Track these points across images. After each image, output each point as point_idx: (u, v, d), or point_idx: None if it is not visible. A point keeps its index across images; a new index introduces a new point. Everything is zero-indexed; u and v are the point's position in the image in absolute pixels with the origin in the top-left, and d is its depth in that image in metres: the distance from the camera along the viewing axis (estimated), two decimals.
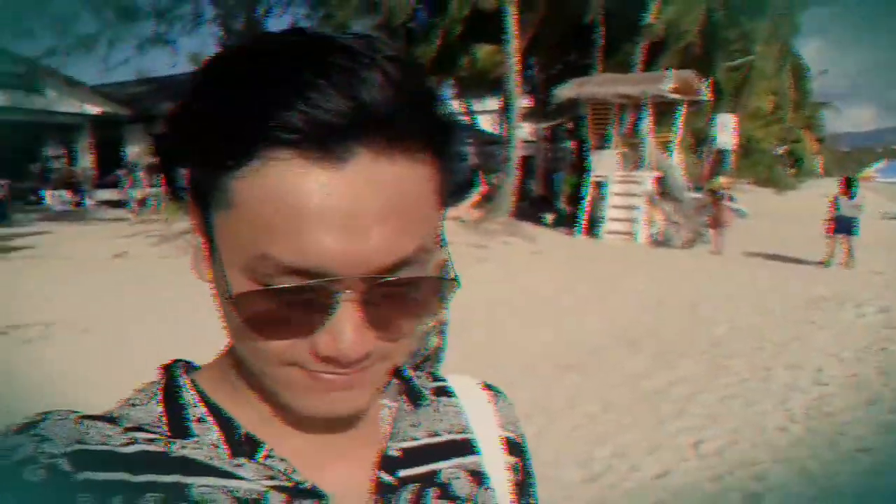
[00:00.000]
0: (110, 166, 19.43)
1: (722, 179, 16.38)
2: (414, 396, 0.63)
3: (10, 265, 10.19)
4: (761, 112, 33.79)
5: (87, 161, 19.20)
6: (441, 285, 0.51)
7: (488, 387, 0.71)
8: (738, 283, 10.83)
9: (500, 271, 12.05)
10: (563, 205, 19.47)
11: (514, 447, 0.67)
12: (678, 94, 16.56)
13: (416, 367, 0.67)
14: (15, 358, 5.91)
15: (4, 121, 17.23)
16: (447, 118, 0.50)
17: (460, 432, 0.64)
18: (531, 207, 20.07)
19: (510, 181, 16.70)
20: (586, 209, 16.90)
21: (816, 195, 37.36)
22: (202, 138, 0.47)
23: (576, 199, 17.68)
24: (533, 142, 24.22)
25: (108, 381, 4.97)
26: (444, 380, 0.68)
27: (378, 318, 0.48)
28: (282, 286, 0.45)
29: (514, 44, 16.15)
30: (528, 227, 16.93)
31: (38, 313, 7.19)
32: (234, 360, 0.56)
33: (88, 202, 17.45)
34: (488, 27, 16.93)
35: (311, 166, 0.44)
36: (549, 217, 18.84)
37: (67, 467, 0.47)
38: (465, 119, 27.19)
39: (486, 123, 28.12)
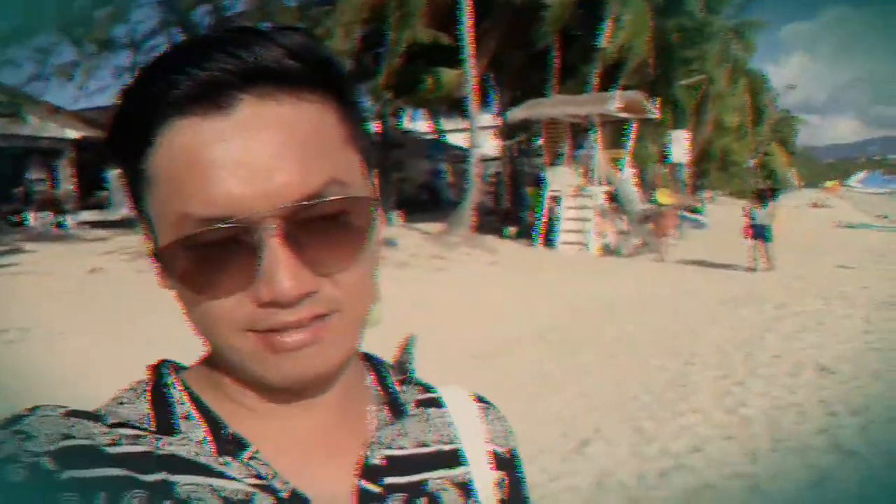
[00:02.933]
0: (91, 188, 20.30)
1: (665, 192, 17.36)
2: (395, 408, 0.62)
3: None
4: (729, 127, 35.16)
5: (68, 184, 20.08)
6: (361, 205, 0.51)
7: (480, 399, 0.70)
8: (664, 285, 11.85)
9: (455, 279, 13.02)
10: (529, 218, 20.46)
11: (502, 461, 0.67)
12: (626, 113, 17.67)
13: (404, 381, 0.66)
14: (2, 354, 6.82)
15: None
16: (335, 64, 0.52)
17: (448, 443, 0.63)
18: (498, 221, 21.11)
19: (470, 196, 17.68)
20: (543, 221, 17.94)
21: (788, 207, 38.73)
22: (116, 138, 0.51)
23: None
24: (498, 159, 25.32)
25: (77, 374, 5.85)
26: (435, 391, 0.68)
27: (310, 253, 0.48)
28: (198, 230, 0.47)
29: (471, 68, 17.20)
30: (490, 240, 17.92)
31: (17, 320, 8.08)
32: (216, 358, 0.55)
33: (70, 223, 18.30)
34: (449, 52, 17.98)
35: (202, 121, 0.47)
36: (512, 230, 19.85)
37: (50, 466, 0.46)
38: (434, 136, 28.32)
39: (460, 141, 29.26)
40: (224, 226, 0.46)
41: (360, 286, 0.52)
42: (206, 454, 0.52)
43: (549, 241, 17.75)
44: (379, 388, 0.64)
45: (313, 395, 0.55)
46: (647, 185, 23.43)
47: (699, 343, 7.69)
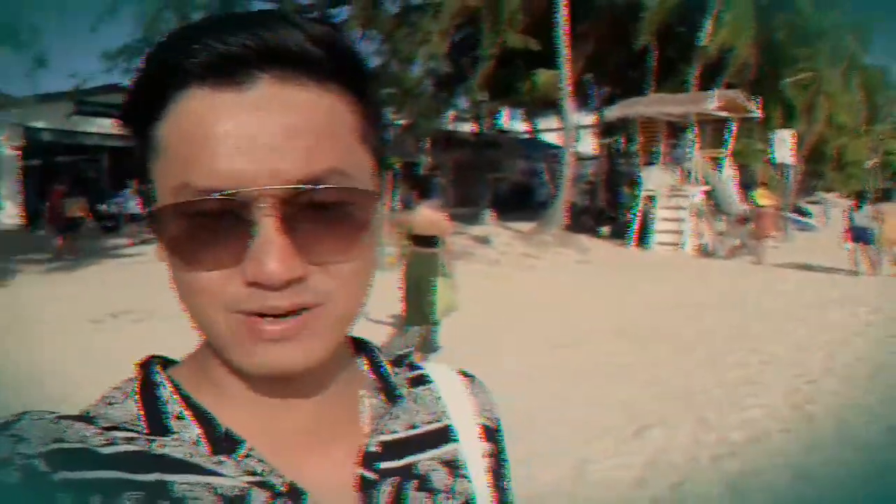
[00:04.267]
0: None
1: (764, 192, 16.91)
2: (390, 392, 0.63)
3: (123, 267, 12.32)
4: (844, 125, 33.41)
5: None
6: (362, 197, 0.51)
7: (464, 373, 0.72)
8: (756, 287, 11.70)
9: (544, 277, 13.31)
10: (626, 217, 20.36)
11: (490, 433, 0.68)
12: (725, 112, 17.36)
13: (395, 363, 0.67)
14: (127, 333, 7.72)
15: (117, 147, 19.88)
16: (359, 60, 0.52)
17: (437, 421, 0.64)
18: (592, 220, 21.15)
19: (562, 195, 17.85)
20: (637, 221, 17.88)
21: None
22: (129, 107, 0.51)
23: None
24: (596, 158, 25.28)
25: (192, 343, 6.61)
26: (421, 368, 0.69)
27: (304, 239, 0.48)
28: (195, 198, 0.47)
29: (566, 69, 17.38)
30: (583, 239, 18.02)
31: (145, 303, 9.06)
32: (209, 352, 0.56)
33: None
34: (547, 53, 18.22)
35: (216, 94, 0.47)
36: (606, 229, 19.86)
37: (44, 468, 0.46)
38: (530, 136, 28.57)
39: (558, 140, 29.36)
40: (220, 196, 0.47)
41: (353, 281, 0.52)
42: (201, 454, 0.52)
43: (642, 241, 17.69)
44: (372, 374, 0.64)
45: (298, 385, 0.55)
46: (750, 186, 22.76)
47: (781, 343, 7.69)
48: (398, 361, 0.68)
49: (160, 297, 7.47)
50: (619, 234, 18.94)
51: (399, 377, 0.65)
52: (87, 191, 19.28)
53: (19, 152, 18.48)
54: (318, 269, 0.49)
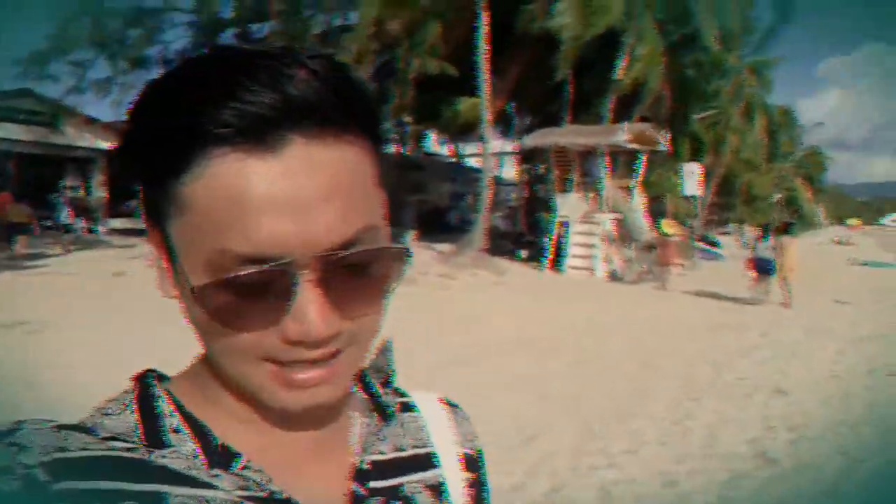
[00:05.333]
0: (122, 197, 21.29)
1: (669, 222, 17.81)
2: (382, 412, 0.65)
3: (24, 278, 11.90)
4: (750, 161, 35.45)
5: (101, 192, 21.10)
6: (393, 255, 0.53)
7: (447, 402, 0.74)
8: (657, 311, 12.30)
9: (458, 296, 13.57)
10: (544, 242, 20.94)
11: (472, 462, 0.70)
12: (636, 145, 18.20)
13: (384, 385, 0.68)
14: (22, 342, 7.51)
15: (29, 154, 19.23)
16: (372, 102, 0.52)
17: (422, 447, 0.66)
18: (511, 244, 21.67)
19: (481, 219, 18.28)
20: (552, 246, 18.48)
21: (811, 243, 38.77)
22: (144, 152, 0.49)
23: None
24: (517, 184, 25.97)
25: (89, 366, 6.44)
26: (407, 395, 0.71)
27: (340, 297, 0.49)
28: (238, 273, 0.47)
29: (486, 97, 17.89)
30: (500, 262, 18.46)
31: (41, 313, 8.81)
32: (207, 369, 0.56)
33: (100, 229, 19.24)
34: (472, 80, 18.74)
35: (248, 158, 0.46)
36: (524, 252, 20.39)
37: (44, 477, 0.47)
38: (453, 160, 29.09)
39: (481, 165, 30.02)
40: (268, 268, 0.47)
41: (376, 323, 0.55)
42: (198, 468, 0.53)
43: (557, 266, 18.26)
44: (364, 394, 0.66)
45: (317, 418, 0.57)
46: (663, 215, 23.85)
47: (672, 362, 8.14)
48: (386, 383, 0.68)
49: (56, 308, 7.31)
50: (536, 257, 19.49)
51: (389, 398, 0.67)
52: None
53: None
54: (351, 321, 0.51)
